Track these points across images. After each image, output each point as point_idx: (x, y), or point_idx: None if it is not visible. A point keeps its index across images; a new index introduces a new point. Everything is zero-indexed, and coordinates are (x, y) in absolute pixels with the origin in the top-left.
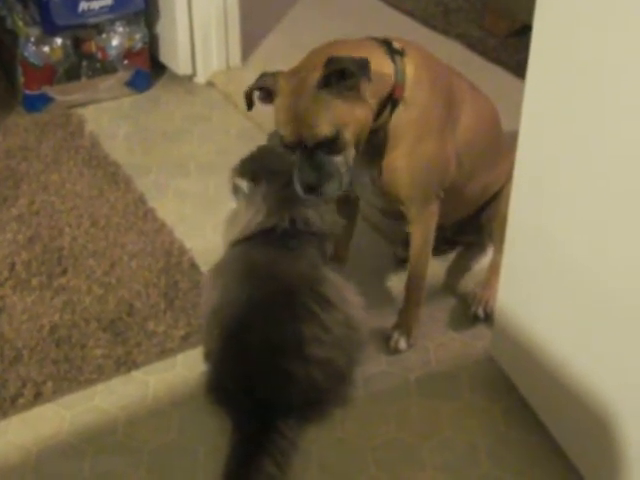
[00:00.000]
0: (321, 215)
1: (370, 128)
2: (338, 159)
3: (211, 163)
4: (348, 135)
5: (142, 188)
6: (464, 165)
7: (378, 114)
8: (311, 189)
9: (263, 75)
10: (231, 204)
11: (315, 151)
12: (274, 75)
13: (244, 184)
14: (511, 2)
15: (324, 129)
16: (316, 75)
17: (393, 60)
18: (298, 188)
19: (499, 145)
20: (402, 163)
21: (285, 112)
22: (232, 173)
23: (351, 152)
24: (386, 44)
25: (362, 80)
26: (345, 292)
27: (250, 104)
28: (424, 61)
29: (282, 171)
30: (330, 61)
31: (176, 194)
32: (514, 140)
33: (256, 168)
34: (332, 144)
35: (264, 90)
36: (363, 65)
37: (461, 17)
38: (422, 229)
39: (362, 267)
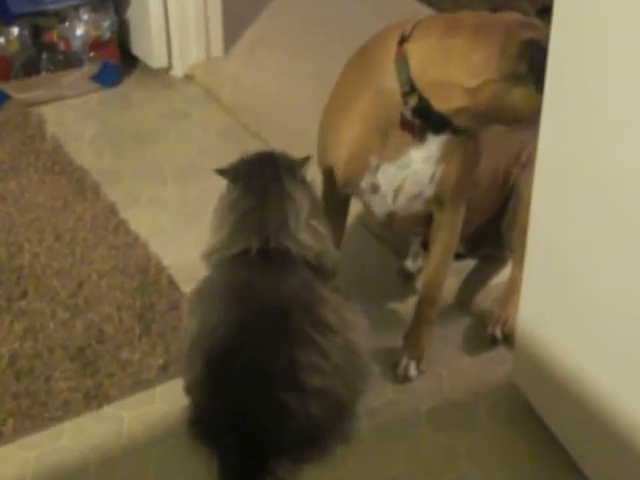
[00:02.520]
0: (304, 247)
1: None
2: None
3: (191, 167)
4: None
5: (112, 197)
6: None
7: None
8: None
9: None
10: None
11: None
12: None
13: (225, 182)
14: None
15: None
16: None
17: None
18: None
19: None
20: (460, 154)
21: None
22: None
23: None
24: None
25: None
26: (345, 313)
27: None
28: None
29: (264, 189)
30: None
31: (151, 203)
32: None
33: (241, 170)
34: None
35: None
36: None
37: None
38: (449, 234)
39: (365, 283)
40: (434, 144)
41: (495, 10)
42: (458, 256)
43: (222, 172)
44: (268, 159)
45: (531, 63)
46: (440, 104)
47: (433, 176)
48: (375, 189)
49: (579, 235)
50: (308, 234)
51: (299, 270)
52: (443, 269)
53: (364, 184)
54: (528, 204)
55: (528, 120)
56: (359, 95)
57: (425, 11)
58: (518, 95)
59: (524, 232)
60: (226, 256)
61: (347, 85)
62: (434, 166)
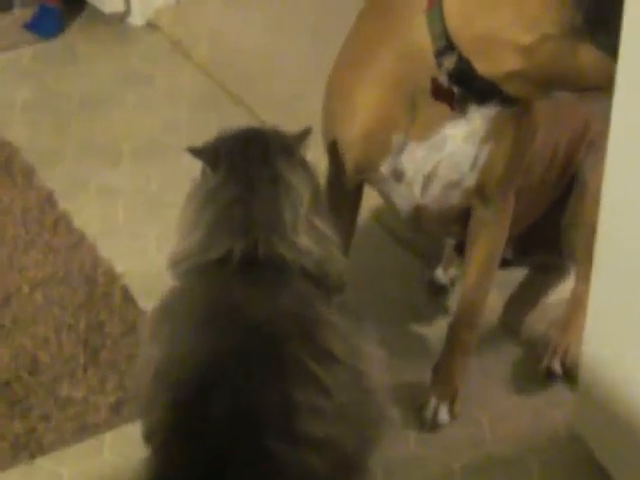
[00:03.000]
0: (301, 254)
1: None
2: None
3: (153, 144)
4: None
5: (51, 183)
6: None
7: None
8: None
9: None
10: None
11: None
12: None
13: (201, 166)
14: None
15: None
16: None
17: None
18: None
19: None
20: (510, 136)
21: None
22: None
23: None
24: None
25: None
26: (355, 339)
27: None
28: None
29: (252, 175)
30: None
31: (101, 191)
32: None
33: (223, 150)
34: None
35: None
36: None
37: None
38: (494, 235)
39: (382, 300)
40: (478, 118)
41: None
42: (504, 263)
43: (197, 153)
44: (255, 135)
45: (588, 12)
46: (486, 66)
47: (476, 160)
48: (399, 176)
49: None
50: (308, 235)
51: (295, 283)
52: (485, 282)
53: (384, 169)
54: (596, 196)
55: (599, 87)
56: (378, 53)
57: None
58: (581, 55)
59: (591, 233)
60: (200, 263)
61: (362, 40)
62: (477, 147)
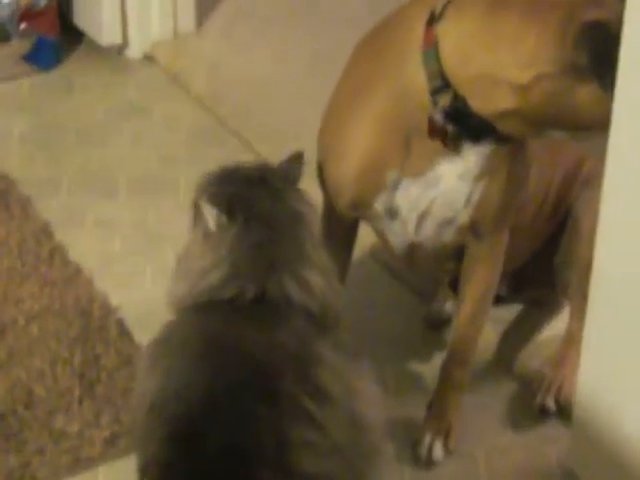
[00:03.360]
0: (309, 291)
1: None
2: None
3: (150, 177)
4: None
5: (47, 215)
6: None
7: None
8: None
9: None
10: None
11: None
12: None
13: (211, 213)
14: None
15: None
16: None
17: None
18: None
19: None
20: (505, 170)
21: None
22: (198, 193)
23: None
24: None
25: None
26: (351, 377)
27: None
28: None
29: (271, 215)
30: None
31: (98, 223)
32: None
33: (236, 196)
34: None
35: None
36: None
37: None
38: (488, 271)
39: (378, 334)
40: (472, 156)
41: None
42: (498, 300)
43: (213, 202)
44: (259, 172)
45: (593, 52)
46: (481, 104)
47: (470, 197)
48: (393, 213)
49: None
50: (318, 268)
51: (293, 319)
52: (479, 318)
53: (378, 206)
54: (590, 233)
55: (595, 127)
56: (373, 91)
57: None
58: (581, 94)
59: (585, 270)
60: (210, 301)
61: (358, 77)
62: (471, 185)
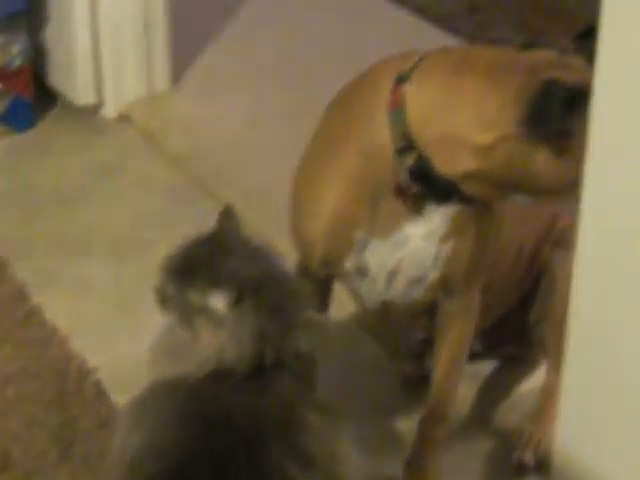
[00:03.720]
0: (311, 333)
1: None
2: None
3: (126, 238)
4: None
5: (22, 276)
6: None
7: None
8: None
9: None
10: (161, 323)
11: None
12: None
13: (218, 300)
14: None
15: None
16: None
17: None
18: None
19: None
20: (473, 228)
21: None
22: (180, 278)
23: None
24: None
25: None
26: (333, 443)
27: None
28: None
29: (266, 280)
30: None
31: (74, 285)
32: None
33: (236, 274)
34: None
35: None
36: None
37: (495, 15)
38: (461, 328)
39: (357, 393)
40: (438, 217)
41: (527, 46)
42: (473, 356)
43: (224, 285)
44: (217, 240)
45: (534, 106)
46: (445, 166)
47: (438, 257)
48: (363, 272)
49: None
50: (304, 330)
51: (280, 382)
52: (454, 375)
53: (348, 265)
54: (565, 289)
55: (556, 192)
56: (342, 151)
57: (438, 37)
58: (539, 157)
59: (561, 326)
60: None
61: (327, 137)
62: (438, 245)
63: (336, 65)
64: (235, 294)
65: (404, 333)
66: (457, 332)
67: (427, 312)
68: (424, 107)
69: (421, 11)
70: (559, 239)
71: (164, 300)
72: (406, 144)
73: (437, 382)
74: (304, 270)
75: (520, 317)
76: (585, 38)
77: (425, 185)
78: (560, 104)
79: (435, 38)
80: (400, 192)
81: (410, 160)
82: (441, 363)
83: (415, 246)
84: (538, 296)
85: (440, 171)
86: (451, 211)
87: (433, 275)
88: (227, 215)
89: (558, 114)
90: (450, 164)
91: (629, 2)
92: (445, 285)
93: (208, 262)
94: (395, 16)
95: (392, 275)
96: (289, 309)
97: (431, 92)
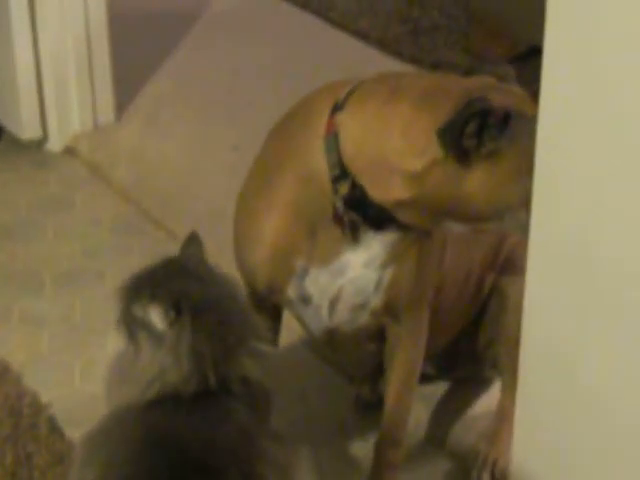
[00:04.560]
0: (261, 363)
1: None
2: None
3: (76, 271)
4: None
5: None
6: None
7: None
8: None
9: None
10: (116, 343)
11: None
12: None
13: (156, 315)
14: (511, 16)
15: None
16: None
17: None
18: None
19: None
20: (414, 255)
21: None
22: (127, 294)
23: None
24: None
25: None
26: (292, 472)
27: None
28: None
29: (211, 300)
30: None
31: (24, 320)
32: None
33: (178, 292)
34: None
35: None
36: None
37: (438, 38)
38: (410, 352)
39: (311, 418)
40: (377, 244)
41: (469, 72)
42: (427, 378)
43: (159, 300)
44: (172, 264)
45: (458, 129)
46: (377, 193)
47: (379, 284)
48: (306, 299)
49: (597, 345)
50: (252, 358)
51: (236, 410)
52: (406, 398)
53: (291, 293)
54: (518, 308)
55: (490, 216)
56: (280, 178)
57: (381, 61)
58: (472, 181)
59: (514, 345)
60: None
61: (267, 164)
62: (379, 271)
63: (281, 92)
64: (173, 310)
65: (356, 358)
66: (405, 355)
67: (375, 337)
68: (356, 135)
69: (364, 35)
70: (507, 259)
71: (118, 318)
72: (340, 172)
73: (388, 405)
74: (252, 297)
75: (472, 338)
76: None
77: (360, 213)
78: (476, 122)
79: (379, 62)
80: (338, 220)
81: (345, 188)
82: (392, 387)
83: (355, 274)
84: (489, 318)
85: (374, 199)
86: (389, 238)
87: (375, 301)
88: (191, 241)
89: (472, 131)
90: (383, 192)
91: (570, 26)
92: (389, 310)
93: (156, 281)
94: (339, 41)
95: (334, 302)
96: (234, 334)
97: (363, 120)
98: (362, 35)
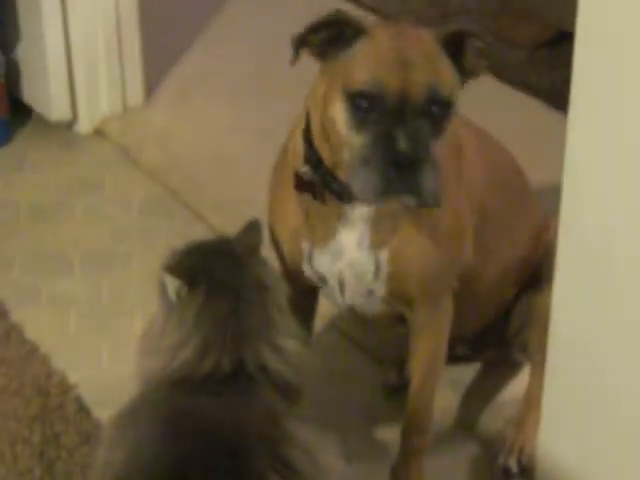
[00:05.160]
0: (285, 358)
1: None
2: (435, 148)
3: (104, 252)
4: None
5: (1, 293)
6: (480, 237)
7: None
8: (409, 168)
9: (335, 12)
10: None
11: (416, 120)
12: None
13: (172, 285)
14: (541, 0)
15: (448, 88)
16: (431, 32)
17: None
18: (375, 169)
19: (522, 207)
20: (415, 242)
21: (386, 55)
22: (162, 268)
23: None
24: None
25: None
26: (319, 454)
27: (298, 51)
28: None
29: (235, 284)
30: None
31: (53, 301)
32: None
33: (197, 266)
34: (444, 117)
35: (331, 31)
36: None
37: (468, 22)
38: (433, 337)
39: (340, 403)
40: (359, 222)
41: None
42: (459, 359)
43: (173, 272)
44: (219, 245)
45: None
46: (325, 154)
47: (378, 270)
48: (322, 280)
49: (617, 334)
50: (287, 335)
51: (263, 393)
52: (429, 385)
53: (308, 272)
54: (549, 296)
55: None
56: (286, 165)
57: None
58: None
59: (544, 330)
60: (168, 375)
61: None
62: (373, 255)
63: (312, 76)
64: (184, 284)
65: (386, 338)
66: (427, 344)
67: (402, 320)
68: (309, 104)
69: (394, 19)
70: (549, 244)
71: (161, 291)
72: (308, 145)
73: (413, 393)
74: (286, 278)
75: (504, 322)
76: (556, 44)
77: (323, 181)
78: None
79: None
80: (300, 186)
81: (307, 153)
82: (415, 374)
83: (351, 256)
84: (524, 299)
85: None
86: (368, 213)
87: (380, 290)
88: (251, 228)
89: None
90: (327, 150)
91: (604, 10)
92: (400, 300)
93: (187, 255)
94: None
95: (341, 285)
96: (251, 323)
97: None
98: (392, 19)
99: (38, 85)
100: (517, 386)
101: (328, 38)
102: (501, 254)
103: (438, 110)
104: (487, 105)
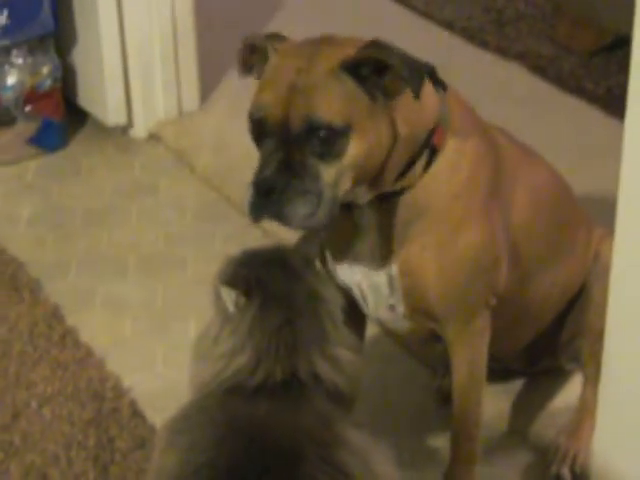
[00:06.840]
0: (339, 368)
1: (390, 188)
2: (327, 171)
3: (159, 257)
4: (357, 146)
5: (57, 297)
6: (522, 258)
7: (405, 167)
8: (267, 194)
9: (246, 37)
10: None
11: (299, 146)
12: (270, 36)
13: (229, 295)
14: (598, 5)
15: (330, 114)
16: (343, 52)
17: (437, 91)
18: (249, 192)
19: (571, 224)
20: (432, 257)
21: (279, 78)
22: (218, 276)
23: (347, 176)
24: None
25: (407, 90)
26: (371, 458)
27: (245, 66)
28: (466, 106)
29: (289, 296)
30: (374, 44)
31: (108, 305)
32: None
33: (253, 277)
34: (331, 141)
35: (249, 52)
36: (420, 70)
37: (523, 28)
38: (468, 354)
39: (392, 408)
40: (370, 229)
41: None
42: (511, 373)
43: (230, 284)
44: (273, 253)
45: None
46: None
47: (391, 283)
48: (349, 290)
49: None
50: (341, 346)
51: (316, 399)
52: (472, 396)
53: (341, 283)
54: (602, 302)
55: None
56: None
57: (474, 53)
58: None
59: (597, 339)
60: (222, 383)
61: None
62: (384, 266)
63: None
64: (241, 295)
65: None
66: (463, 359)
67: (436, 340)
68: None
69: (449, 24)
70: (597, 253)
71: (216, 301)
72: None
73: (456, 404)
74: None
75: (554, 332)
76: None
77: None
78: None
79: (463, 51)
80: None
81: None
82: (456, 390)
83: (365, 268)
84: (576, 308)
85: None
86: (374, 219)
87: (399, 307)
88: (308, 237)
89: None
90: None
91: None
92: (425, 317)
93: (243, 265)
94: (423, 29)
95: (364, 298)
96: (304, 333)
97: None
98: (446, 24)
99: (94, 90)
100: (569, 394)
101: (258, 60)
102: (548, 272)
103: (326, 134)
104: (543, 111)
